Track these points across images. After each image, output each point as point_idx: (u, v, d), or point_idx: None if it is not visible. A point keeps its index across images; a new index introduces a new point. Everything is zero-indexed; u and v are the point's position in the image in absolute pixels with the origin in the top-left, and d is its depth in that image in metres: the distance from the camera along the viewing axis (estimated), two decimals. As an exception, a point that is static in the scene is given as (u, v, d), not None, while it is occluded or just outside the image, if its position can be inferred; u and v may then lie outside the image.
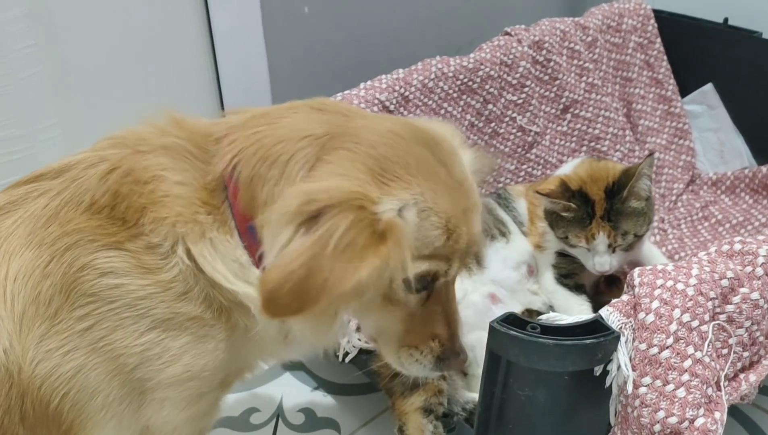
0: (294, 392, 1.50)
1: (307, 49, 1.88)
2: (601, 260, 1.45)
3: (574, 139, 1.90)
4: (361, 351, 1.30)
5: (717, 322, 0.97)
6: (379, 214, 0.79)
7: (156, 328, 0.86)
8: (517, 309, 1.47)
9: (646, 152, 1.94)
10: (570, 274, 1.53)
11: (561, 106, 1.88)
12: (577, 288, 1.52)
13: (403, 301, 0.88)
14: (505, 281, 1.50)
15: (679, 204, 1.94)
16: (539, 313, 1.47)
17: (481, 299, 1.42)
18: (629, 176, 1.43)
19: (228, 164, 0.86)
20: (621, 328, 0.96)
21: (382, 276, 0.80)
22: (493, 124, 1.79)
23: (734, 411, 1.40)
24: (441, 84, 1.68)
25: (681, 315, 0.93)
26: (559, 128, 1.89)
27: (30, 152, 1.57)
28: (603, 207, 1.43)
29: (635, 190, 1.43)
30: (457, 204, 0.86)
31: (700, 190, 1.97)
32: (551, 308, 1.51)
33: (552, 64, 1.83)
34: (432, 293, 0.91)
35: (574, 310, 1.47)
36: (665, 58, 1.99)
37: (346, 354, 1.31)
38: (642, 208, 1.45)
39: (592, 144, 1.90)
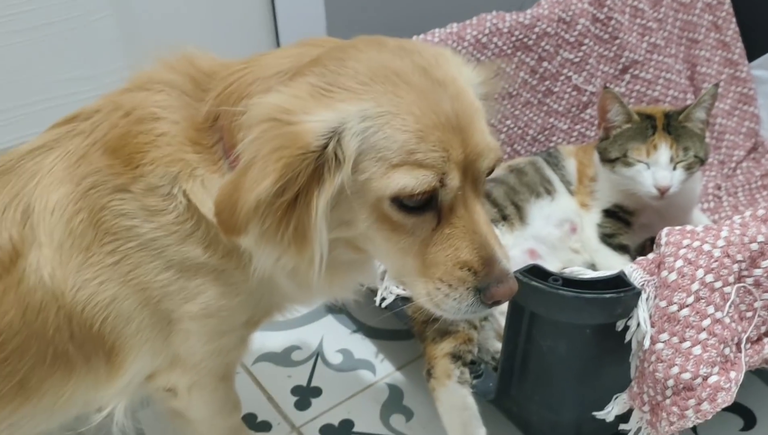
0: (334, 333, 1.56)
1: (363, 1, 1.89)
2: (663, 174, 1.43)
3: (632, 100, 1.86)
4: (400, 298, 1.34)
5: (742, 284, 0.96)
6: (297, 124, 0.76)
7: (171, 268, 0.91)
8: (557, 266, 1.48)
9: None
10: (614, 234, 1.53)
11: (620, 67, 1.84)
12: (621, 248, 1.52)
13: (405, 226, 0.82)
14: (546, 238, 1.51)
15: (738, 171, 1.90)
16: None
17: (519, 254, 1.43)
18: (687, 106, 1.50)
19: (213, 105, 0.89)
20: (643, 285, 0.97)
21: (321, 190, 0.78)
22: (547, 83, 1.78)
23: (764, 374, 1.39)
24: (495, 39, 1.68)
25: (704, 275, 0.94)
26: (617, 89, 1.85)
27: (96, 93, 1.60)
28: (663, 122, 1.47)
29: (692, 116, 1.48)
30: (437, 105, 0.79)
31: (762, 158, 1.91)
32: (592, 267, 1.51)
33: (613, 22, 1.80)
34: (442, 214, 0.82)
35: (616, 269, 1.47)
36: (734, 20, 1.92)
37: (383, 299, 1.35)
38: (700, 133, 1.48)
39: (651, 106, 1.87)
